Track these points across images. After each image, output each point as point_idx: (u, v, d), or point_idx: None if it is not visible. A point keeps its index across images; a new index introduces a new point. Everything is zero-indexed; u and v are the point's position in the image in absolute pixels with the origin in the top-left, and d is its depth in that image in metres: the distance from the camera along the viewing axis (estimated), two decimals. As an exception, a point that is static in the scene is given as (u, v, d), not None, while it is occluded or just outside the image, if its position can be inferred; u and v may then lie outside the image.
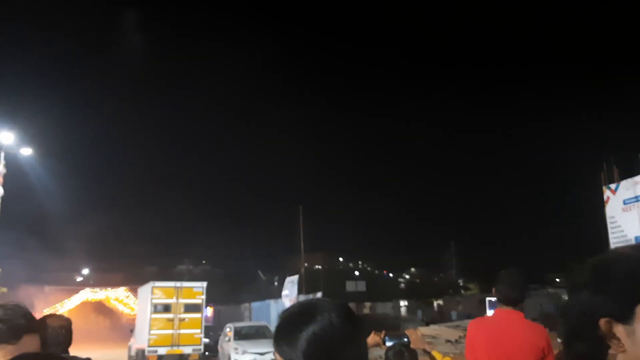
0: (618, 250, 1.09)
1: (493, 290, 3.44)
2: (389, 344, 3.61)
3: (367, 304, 50.76)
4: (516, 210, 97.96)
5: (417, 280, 75.01)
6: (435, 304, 51.32)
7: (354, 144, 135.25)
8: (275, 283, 62.45)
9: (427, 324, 27.55)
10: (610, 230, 15.04)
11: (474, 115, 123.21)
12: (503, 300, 3.35)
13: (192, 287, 20.26)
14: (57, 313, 3.23)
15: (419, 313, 44.26)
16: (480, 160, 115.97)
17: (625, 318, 0.96)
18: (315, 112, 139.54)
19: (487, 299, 25.48)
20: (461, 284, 63.40)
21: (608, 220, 15.03)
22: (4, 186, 23.66)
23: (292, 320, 1.24)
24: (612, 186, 14.88)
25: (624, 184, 14.59)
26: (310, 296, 25.42)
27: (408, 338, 3.66)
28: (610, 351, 0.96)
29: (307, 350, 1.17)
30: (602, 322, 0.96)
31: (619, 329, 0.95)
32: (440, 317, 38.73)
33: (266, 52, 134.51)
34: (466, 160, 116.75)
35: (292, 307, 1.30)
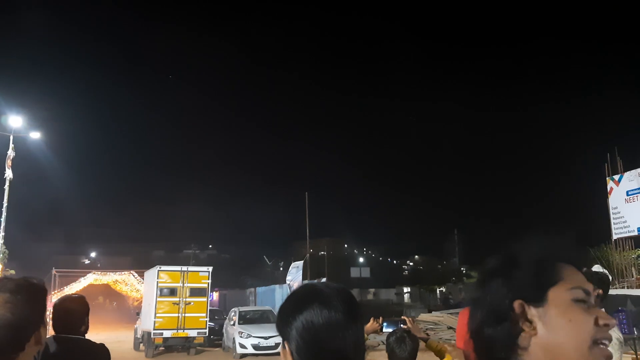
0: (521, 242, 1.07)
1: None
2: (388, 329, 3.66)
3: (371, 290, 51.03)
4: (520, 199, 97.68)
5: (421, 268, 75.17)
6: (438, 291, 51.52)
7: (360, 132, 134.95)
8: (281, 268, 62.82)
9: (430, 311, 27.73)
10: (613, 221, 15.08)
11: (479, 105, 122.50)
12: None
13: (198, 272, 20.44)
14: (73, 294, 3.34)
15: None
16: (485, 150, 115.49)
17: (538, 300, 0.97)
18: (323, 99, 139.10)
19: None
20: (464, 271, 63.51)
21: (611, 211, 15.05)
22: (12, 169, 23.89)
23: (291, 303, 1.27)
24: (616, 177, 14.88)
25: (628, 175, 14.58)
26: (316, 282, 25.62)
27: (405, 322, 3.74)
28: (522, 334, 0.96)
29: (296, 337, 1.20)
30: (516, 304, 0.97)
31: (532, 311, 0.97)
32: (443, 304, 38.95)
33: (275, 40, 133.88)
34: (471, 149, 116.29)
35: (295, 289, 1.33)
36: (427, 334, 3.82)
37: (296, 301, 1.27)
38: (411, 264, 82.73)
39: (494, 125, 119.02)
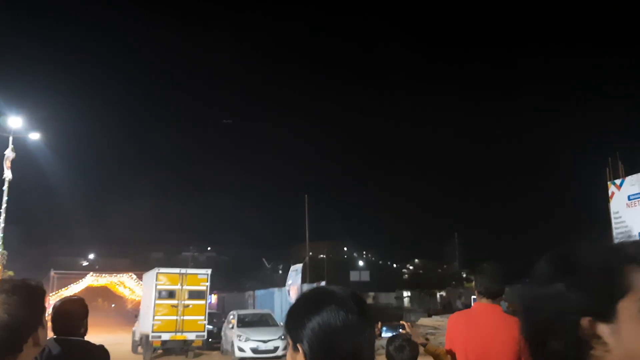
0: (579, 244, 0.97)
1: (473, 283, 3.51)
2: (387, 334, 3.63)
3: (371, 294, 50.94)
4: (520, 203, 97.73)
5: (420, 271, 75.10)
6: (438, 295, 51.43)
7: (360, 135, 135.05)
8: (280, 271, 62.71)
9: (430, 315, 27.66)
10: (614, 226, 15.03)
11: (479, 109, 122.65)
12: (484, 293, 3.40)
13: (197, 274, 20.38)
14: (72, 296, 3.32)
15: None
16: (485, 154, 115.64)
17: (607, 316, 0.86)
18: (322, 102, 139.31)
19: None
20: (464, 275, 63.44)
21: (612, 216, 15.01)
22: (12, 170, 23.83)
23: (302, 306, 1.27)
24: (617, 182, 14.85)
25: (629, 179, 14.55)
26: (314, 285, 25.56)
27: (404, 327, 3.71)
28: (594, 352, 0.86)
29: (311, 339, 1.20)
30: (585, 321, 0.87)
31: (602, 329, 0.86)
32: (443, 308, 38.87)
33: (273, 41, 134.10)
34: (471, 153, 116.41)
35: (306, 292, 1.33)
36: (427, 339, 3.78)
37: (311, 302, 1.27)
38: (411, 267, 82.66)
39: (494, 130, 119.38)
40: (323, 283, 30.31)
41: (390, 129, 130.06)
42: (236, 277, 59.15)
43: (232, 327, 19.94)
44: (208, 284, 20.25)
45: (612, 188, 14.99)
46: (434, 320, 22.05)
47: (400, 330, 3.78)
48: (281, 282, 35.31)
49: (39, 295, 1.79)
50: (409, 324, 3.88)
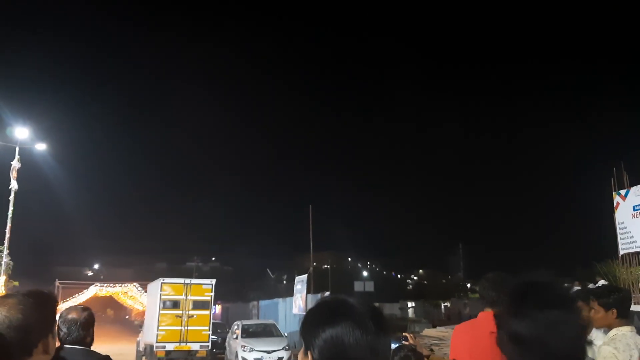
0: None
1: (478, 293, 3.53)
2: (392, 345, 3.61)
3: (375, 305, 50.63)
4: (525, 214, 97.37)
5: (425, 282, 74.79)
6: (442, 305, 51.19)
7: (364, 146, 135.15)
8: (284, 281, 62.60)
9: (434, 326, 27.51)
10: (619, 237, 14.95)
11: (484, 119, 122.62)
12: (487, 302, 3.41)
13: (201, 284, 20.36)
14: (79, 305, 3.34)
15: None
16: (490, 164, 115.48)
17: None
18: (326, 114, 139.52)
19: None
20: (469, 286, 63.14)
21: (617, 227, 14.92)
22: (18, 181, 23.95)
23: (319, 314, 1.27)
24: (622, 192, 14.79)
25: (634, 190, 14.49)
26: (319, 296, 25.50)
27: (407, 339, 3.71)
28: None
29: (322, 350, 1.21)
30: None
31: None
32: (448, 319, 38.65)
33: (278, 55, 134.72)
34: (476, 164, 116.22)
35: (327, 299, 1.33)
36: (432, 350, 3.80)
37: (329, 313, 1.26)
38: (415, 278, 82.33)
39: (498, 141, 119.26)
40: (327, 293, 30.23)
41: (394, 140, 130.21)
42: (240, 288, 59.04)
43: (237, 338, 19.90)
44: (212, 294, 20.24)
45: (617, 198, 14.92)
46: (439, 331, 21.90)
47: (404, 341, 3.78)
48: (285, 293, 35.23)
49: (52, 303, 1.85)
50: (412, 335, 3.87)
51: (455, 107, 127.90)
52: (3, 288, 22.49)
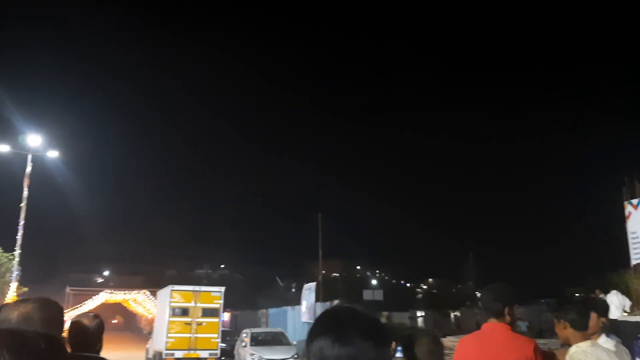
0: None
1: (481, 305, 3.55)
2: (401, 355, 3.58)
3: (384, 314, 50.43)
4: (536, 223, 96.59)
5: (435, 291, 74.31)
6: (452, 315, 50.83)
7: (374, 154, 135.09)
8: (293, 289, 62.45)
9: (444, 336, 27.29)
10: (631, 247, 14.81)
11: (494, 128, 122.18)
12: (487, 312, 3.47)
13: (210, 292, 20.38)
14: (89, 311, 3.36)
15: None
16: (501, 173, 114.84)
17: None
18: (335, 121, 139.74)
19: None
20: (479, 295, 62.68)
21: (629, 236, 14.78)
22: (30, 188, 24.17)
23: (316, 324, 1.28)
24: (634, 201, 14.66)
25: (647, 199, 14.36)
26: (328, 304, 25.42)
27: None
28: None
29: (314, 358, 1.23)
30: None
31: None
32: (458, 328, 38.35)
33: (291, 65, 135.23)
34: (486, 173, 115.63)
35: (327, 310, 1.33)
36: None
37: (318, 324, 1.28)
38: (425, 287, 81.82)
39: (508, 151, 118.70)
40: (337, 302, 30.13)
41: (403, 148, 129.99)
42: (249, 295, 58.98)
43: (245, 346, 19.87)
44: (221, 301, 20.25)
45: (628, 208, 14.78)
46: (448, 341, 21.75)
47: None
48: (294, 301, 35.16)
49: (59, 310, 1.88)
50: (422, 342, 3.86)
51: (466, 115, 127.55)
52: (15, 294, 22.66)
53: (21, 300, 1.94)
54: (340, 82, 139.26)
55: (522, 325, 26.77)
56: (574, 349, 3.23)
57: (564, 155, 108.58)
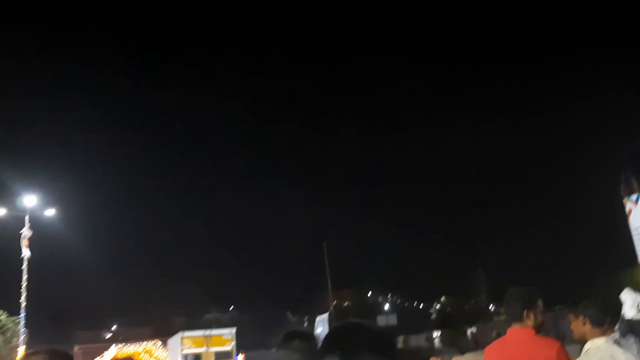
0: None
1: (504, 312, 3.54)
2: None
3: (400, 338, 49.81)
4: (539, 228, 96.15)
5: (448, 310, 73.56)
6: (468, 332, 50.21)
7: (376, 174, 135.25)
8: (305, 323, 61.80)
9: (463, 353, 26.90)
10: (636, 242, 14.70)
11: (489, 135, 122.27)
12: (516, 319, 3.43)
13: (222, 335, 20.22)
14: None
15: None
16: (498, 179, 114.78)
17: None
18: (336, 144, 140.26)
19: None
20: (493, 309, 62.04)
21: (633, 232, 14.69)
22: (30, 248, 24.07)
23: (325, 342, 1.29)
24: (633, 197, 14.62)
25: (646, 193, 14.33)
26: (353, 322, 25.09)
27: None
28: None
29: None
30: None
31: None
32: (475, 345, 37.80)
33: (283, 84, 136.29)
34: (483, 175, 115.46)
35: (337, 325, 1.35)
36: None
37: (326, 341, 1.28)
38: (438, 306, 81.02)
39: (507, 155, 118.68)
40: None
41: (408, 166, 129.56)
42: (261, 334, 58.23)
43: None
44: (234, 342, 20.03)
45: (629, 205, 14.71)
46: (466, 358, 21.38)
47: None
48: (307, 335, 34.55)
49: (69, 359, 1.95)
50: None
51: (465, 124, 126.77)
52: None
53: (31, 352, 1.98)
54: (346, 103, 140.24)
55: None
56: (588, 345, 3.21)
57: (562, 160, 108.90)
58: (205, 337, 19.79)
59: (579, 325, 3.32)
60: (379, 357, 1.20)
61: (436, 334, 51.81)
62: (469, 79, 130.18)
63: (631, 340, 3.88)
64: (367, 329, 1.27)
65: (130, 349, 41.32)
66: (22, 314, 23.35)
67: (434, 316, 72.60)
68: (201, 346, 19.45)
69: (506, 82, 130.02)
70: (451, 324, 53.87)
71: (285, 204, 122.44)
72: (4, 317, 29.87)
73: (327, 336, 1.30)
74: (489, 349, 3.66)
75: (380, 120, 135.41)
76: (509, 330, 3.48)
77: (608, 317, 3.25)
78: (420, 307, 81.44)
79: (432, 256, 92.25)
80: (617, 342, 3.14)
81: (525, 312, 3.36)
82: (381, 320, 51.84)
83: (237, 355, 25.32)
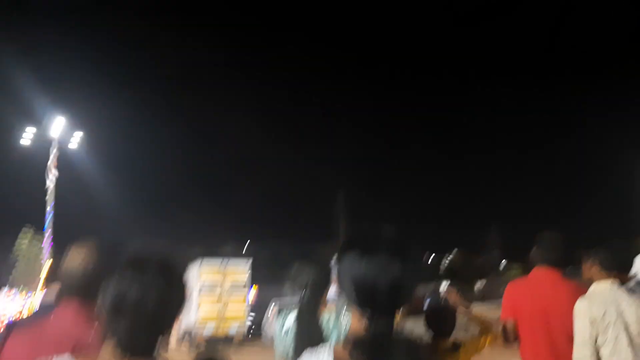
0: None
1: (530, 254, 3.48)
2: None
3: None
4: (559, 189, 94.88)
5: (458, 263, 74.09)
6: (476, 286, 50.75)
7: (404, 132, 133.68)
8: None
9: (470, 302, 27.34)
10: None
11: (516, 115, 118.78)
12: (541, 260, 3.42)
13: (238, 265, 20.32)
14: None
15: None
16: (521, 144, 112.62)
17: None
18: (348, 137, 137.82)
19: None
20: (505, 264, 62.29)
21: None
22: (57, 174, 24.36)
23: (346, 243, 1.39)
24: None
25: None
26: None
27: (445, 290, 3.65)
28: None
29: (341, 275, 1.34)
30: None
31: None
32: (482, 298, 38.34)
33: (295, 67, 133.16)
34: (505, 141, 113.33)
35: (356, 229, 1.46)
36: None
37: (346, 242, 1.37)
38: (450, 257, 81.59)
39: (532, 136, 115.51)
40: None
41: (430, 118, 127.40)
42: (275, 270, 59.37)
43: (274, 318, 19.93)
44: (249, 272, 20.20)
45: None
46: (475, 309, 21.84)
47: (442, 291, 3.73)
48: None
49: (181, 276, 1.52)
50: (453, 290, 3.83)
51: (487, 97, 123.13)
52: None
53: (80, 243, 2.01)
54: (354, 79, 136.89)
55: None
56: (593, 287, 3.10)
57: (589, 135, 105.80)
58: (222, 266, 19.88)
59: (588, 267, 3.21)
60: (395, 256, 1.30)
61: (444, 285, 52.48)
62: (488, 78, 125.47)
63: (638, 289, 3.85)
64: (384, 232, 1.37)
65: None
66: (48, 231, 24.00)
67: (443, 267, 73.14)
68: (217, 275, 19.57)
69: (536, 70, 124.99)
70: (460, 276, 54.31)
71: (309, 154, 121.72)
72: (30, 234, 31.03)
73: (348, 238, 1.40)
74: (513, 284, 3.62)
75: (392, 86, 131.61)
76: (536, 269, 3.45)
77: (617, 263, 3.11)
78: (431, 259, 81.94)
79: (443, 212, 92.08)
80: (623, 289, 3.05)
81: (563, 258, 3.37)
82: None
83: (251, 287, 25.73)
